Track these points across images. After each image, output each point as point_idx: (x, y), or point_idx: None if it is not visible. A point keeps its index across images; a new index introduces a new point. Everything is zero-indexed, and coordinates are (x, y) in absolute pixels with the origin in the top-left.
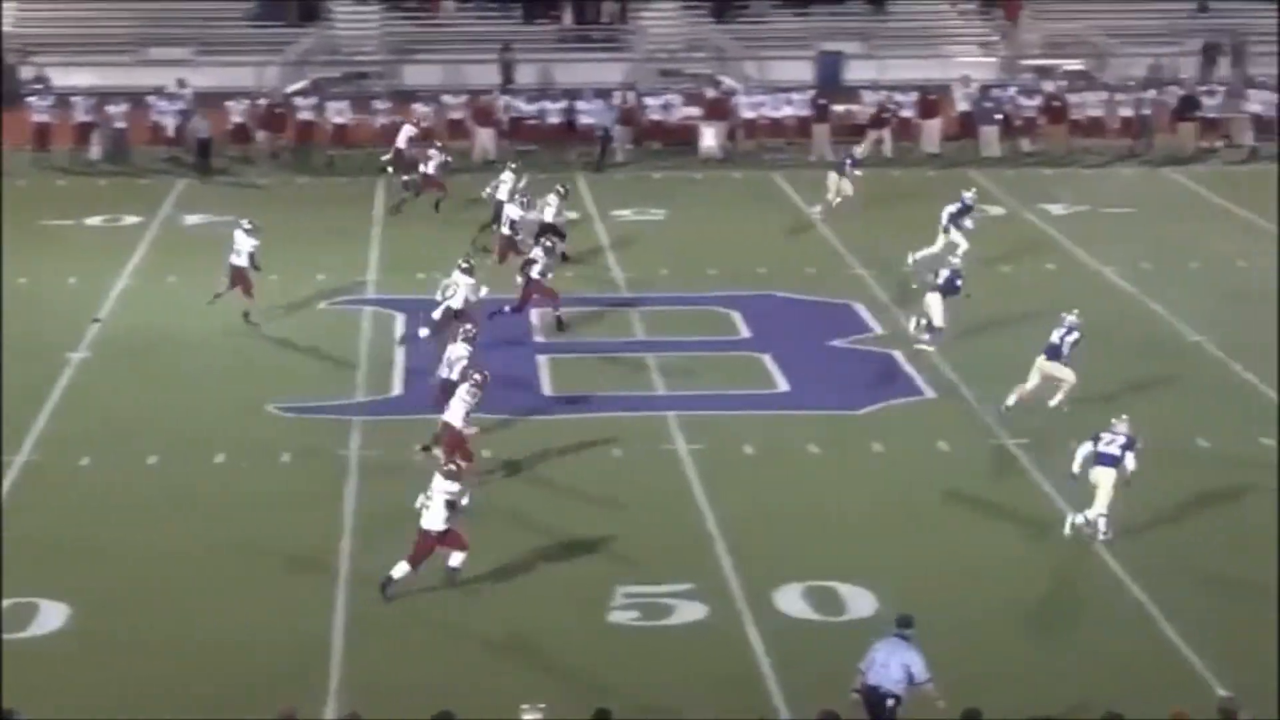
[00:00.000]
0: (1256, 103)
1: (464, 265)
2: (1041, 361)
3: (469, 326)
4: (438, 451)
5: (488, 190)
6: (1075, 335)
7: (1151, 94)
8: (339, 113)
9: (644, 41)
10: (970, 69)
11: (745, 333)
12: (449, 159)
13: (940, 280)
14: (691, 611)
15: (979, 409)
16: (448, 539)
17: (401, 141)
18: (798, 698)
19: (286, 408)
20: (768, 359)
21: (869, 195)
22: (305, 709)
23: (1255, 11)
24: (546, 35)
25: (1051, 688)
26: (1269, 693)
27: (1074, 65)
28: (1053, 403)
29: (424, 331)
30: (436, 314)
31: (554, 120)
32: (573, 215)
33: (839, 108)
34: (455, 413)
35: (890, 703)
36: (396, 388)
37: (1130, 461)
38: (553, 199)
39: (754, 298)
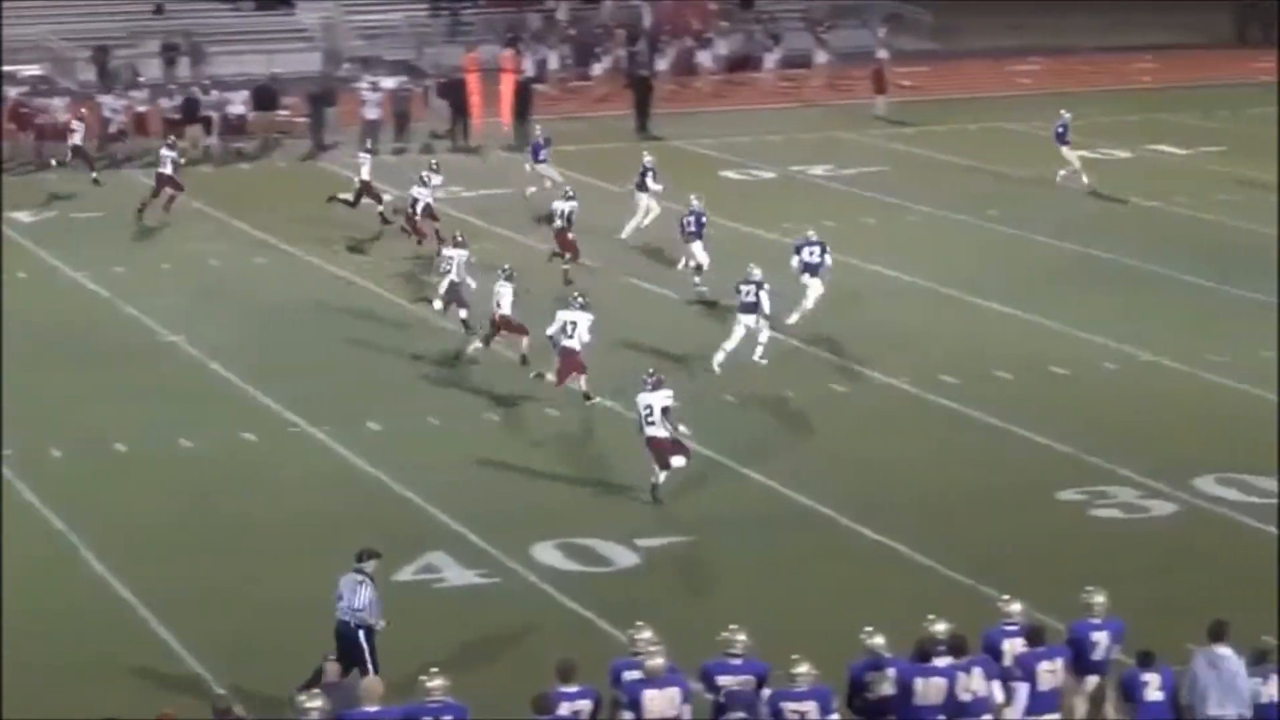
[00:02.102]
0: (238, 104)
1: (458, 239)
2: (808, 279)
3: (506, 266)
4: (550, 375)
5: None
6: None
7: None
8: None
9: None
10: None
11: None
12: (182, 159)
13: (693, 227)
14: None
15: None
16: (677, 445)
17: (79, 139)
18: None
19: None
20: None
21: None
22: None
23: (212, 12)
24: None
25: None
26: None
27: (34, 70)
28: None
29: (437, 305)
30: (442, 290)
31: None
32: None
33: None
34: (580, 340)
35: (359, 631)
36: None
37: (766, 302)
38: (430, 176)
39: None
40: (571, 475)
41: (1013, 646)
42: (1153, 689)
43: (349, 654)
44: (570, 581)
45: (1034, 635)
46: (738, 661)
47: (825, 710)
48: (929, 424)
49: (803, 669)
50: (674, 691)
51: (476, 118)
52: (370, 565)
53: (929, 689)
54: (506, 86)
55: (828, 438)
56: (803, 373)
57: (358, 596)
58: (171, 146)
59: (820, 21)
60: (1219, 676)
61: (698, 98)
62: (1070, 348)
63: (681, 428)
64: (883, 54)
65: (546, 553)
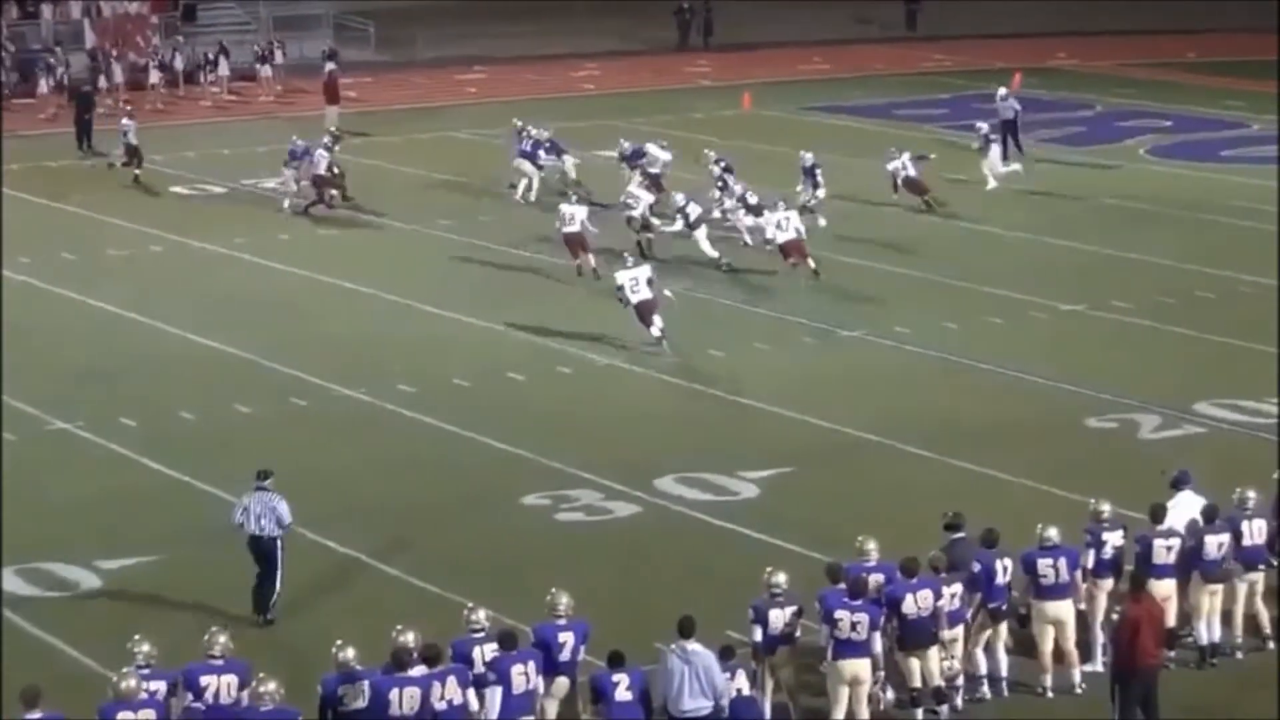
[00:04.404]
0: None
1: (577, 196)
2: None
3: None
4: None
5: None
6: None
7: None
8: None
9: None
10: None
11: None
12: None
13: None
14: None
15: None
16: (653, 305)
17: None
18: None
19: None
20: None
21: None
22: None
23: None
24: None
25: None
26: None
27: None
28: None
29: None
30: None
31: None
32: None
33: None
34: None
35: (277, 541)
36: None
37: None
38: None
39: None
40: (26, 499)
41: (482, 652)
42: (622, 689)
43: (266, 564)
44: (32, 607)
45: (506, 640)
46: (219, 662)
47: None
48: (388, 433)
49: (270, 687)
50: (149, 714)
51: None
52: (270, 482)
53: (403, 698)
54: None
55: (287, 451)
56: (259, 387)
57: (281, 512)
58: (330, 147)
59: (266, 33)
60: (691, 671)
61: (144, 113)
62: (526, 353)
63: (666, 292)
64: (330, 66)
65: (7, 579)
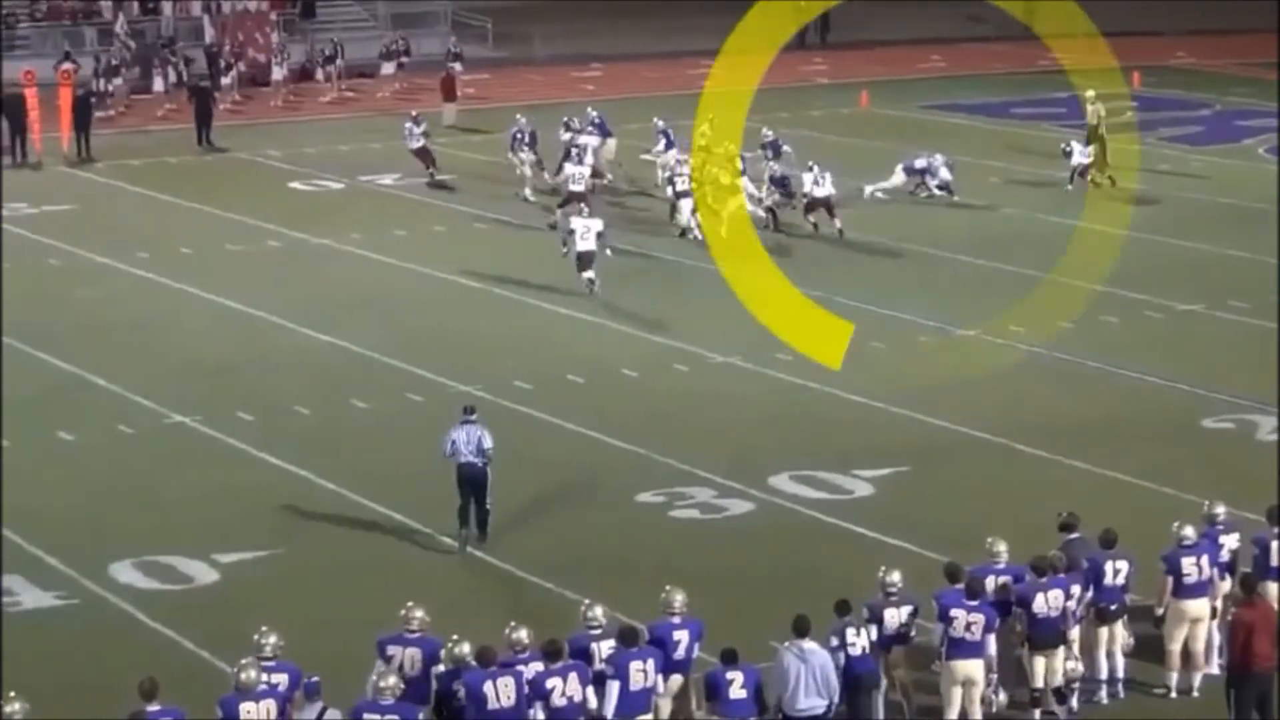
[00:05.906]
0: None
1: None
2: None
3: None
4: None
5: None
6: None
7: None
8: None
9: None
10: None
11: None
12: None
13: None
14: None
15: None
16: (593, 258)
17: None
18: None
19: None
20: None
21: None
22: None
23: None
24: None
25: None
26: None
27: None
28: None
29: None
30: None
31: None
32: None
33: None
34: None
35: (486, 468)
36: None
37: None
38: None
39: None
40: (145, 492)
41: (599, 649)
42: (736, 687)
43: (477, 491)
44: (150, 600)
45: (627, 636)
46: (414, 635)
47: None
48: (504, 429)
49: (390, 681)
50: (270, 704)
51: (36, 133)
52: (475, 415)
53: (499, 691)
54: (64, 101)
55: (403, 446)
56: (375, 383)
57: (486, 440)
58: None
59: (388, 30)
60: (807, 670)
61: (264, 110)
62: (641, 350)
63: (608, 251)
64: (457, 67)
65: (125, 571)
